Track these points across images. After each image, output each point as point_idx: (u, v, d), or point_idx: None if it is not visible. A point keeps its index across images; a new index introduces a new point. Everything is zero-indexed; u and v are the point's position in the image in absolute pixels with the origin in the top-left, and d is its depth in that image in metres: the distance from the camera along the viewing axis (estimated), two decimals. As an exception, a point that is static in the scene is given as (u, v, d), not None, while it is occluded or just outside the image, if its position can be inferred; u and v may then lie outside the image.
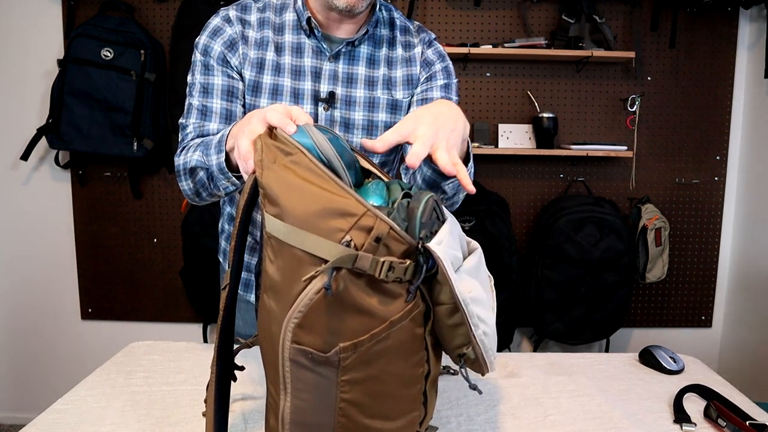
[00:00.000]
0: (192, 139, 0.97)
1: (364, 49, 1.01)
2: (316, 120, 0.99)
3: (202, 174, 0.88)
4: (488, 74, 2.24)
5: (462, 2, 2.20)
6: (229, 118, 0.98)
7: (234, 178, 0.83)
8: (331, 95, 0.99)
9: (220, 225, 1.17)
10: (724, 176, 2.31)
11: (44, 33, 2.19)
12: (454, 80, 1.07)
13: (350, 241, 0.55)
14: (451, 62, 1.07)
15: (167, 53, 2.13)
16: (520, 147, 2.20)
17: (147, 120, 2.07)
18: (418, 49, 1.04)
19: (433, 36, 1.08)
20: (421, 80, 1.04)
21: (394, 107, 1.03)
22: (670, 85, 2.26)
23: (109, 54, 2.02)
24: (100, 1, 2.12)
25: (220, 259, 1.17)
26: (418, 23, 1.09)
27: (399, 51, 1.04)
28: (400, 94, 1.03)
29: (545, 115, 2.13)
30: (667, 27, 2.21)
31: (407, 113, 1.04)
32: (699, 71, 2.26)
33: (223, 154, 0.81)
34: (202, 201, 0.96)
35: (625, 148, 2.15)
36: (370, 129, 1.02)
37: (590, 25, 2.11)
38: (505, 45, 2.11)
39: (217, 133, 0.93)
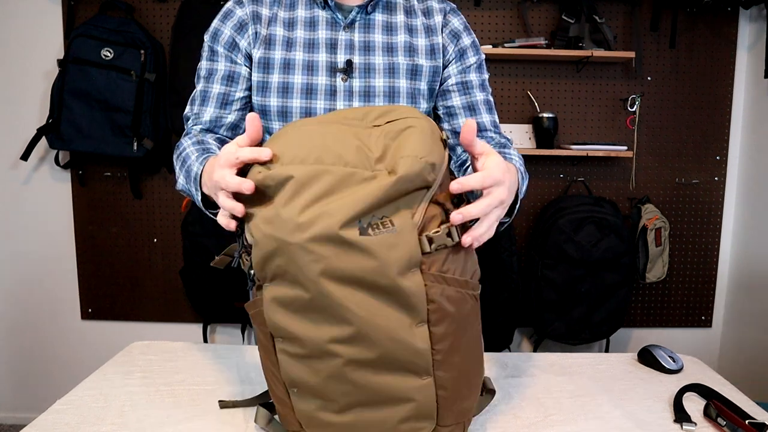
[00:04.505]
0: (191, 128, 0.99)
1: (378, 17, 1.00)
2: (334, 92, 0.97)
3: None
4: (488, 74, 2.24)
5: (462, 2, 2.20)
6: (225, 102, 0.99)
7: (213, 215, 0.83)
8: (349, 64, 0.97)
9: None
10: (724, 176, 2.31)
11: (44, 33, 2.19)
12: (483, 56, 1.06)
13: None
14: (474, 36, 1.06)
15: (167, 53, 2.13)
16: (520, 147, 2.19)
17: (147, 120, 2.07)
18: (438, 18, 1.02)
19: (453, 5, 1.06)
20: (450, 53, 1.02)
21: (415, 72, 1.00)
22: (670, 85, 2.26)
23: (109, 54, 2.02)
24: (100, 1, 2.12)
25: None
26: None
27: (420, 19, 1.02)
28: (422, 60, 1.00)
29: (545, 115, 2.13)
30: (667, 27, 2.21)
31: (435, 85, 1.02)
32: (699, 71, 2.26)
33: (200, 194, 0.81)
34: None
35: (625, 148, 2.15)
36: (392, 96, 0.99)
37: (590, 25, 2.11)
38: (505, 45, 2.11)
39: (207, 128, 0.98)
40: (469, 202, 0.65)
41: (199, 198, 0.82)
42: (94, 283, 2.33)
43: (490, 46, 2.10)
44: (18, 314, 2.36)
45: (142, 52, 2.04)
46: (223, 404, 0.88)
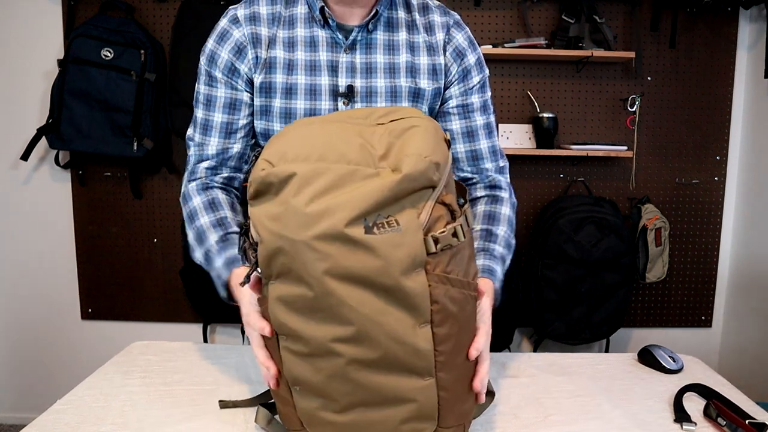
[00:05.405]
0: (196, 163, 0.99)
1: (380, 36, 0.96)
2: None
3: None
4: (488, 74, 2.24)
5: (462, 2, 2.20)
6: (229, 132, 0.97)
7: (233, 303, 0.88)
8: (350, 89, 0.94)
9: None
10: (724, 176, 2.31)
11: (44, 33, 2.19)
12: (487, 72, 1.03)
13: None
14: (480, 50, 1.03)
15: (167, 53, 2.13)
16: (520, 147, 2.20)
17: (147, 120, 2.07)
18: (440, 36, 0.98)
19: (457, 17, 1.02)
20: (453, 73, 0.99)
21: (417, 96, 0.97)
22: (670, 85, 2.26)
23: (109, 54, 2.02)
24: (100, 1, 2.12)
25: None
26: (438, 2, 1.02)
27: (422, 36, 0.98)
28: (424, 83, 0.97)
29: (545, 115, 2.13)
30: (667, 27, 2.21)
31: (436, 105, 1.01)
32: (699, 71, 2.26)
33: (225, 291, 0.90)
34: None
35: (625, 148, 2.15)
36: None
37: (590, 25, 2.11)
38: (505, 45, 2.11)
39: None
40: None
41: (224, 294, 0.91)
42: (94, 283, 2.32)
43: (490, 46, 2.10)
44: (18, 314, 2.36)
45: (142, 52, 2.04)
46: (223, 404, 0.88)
